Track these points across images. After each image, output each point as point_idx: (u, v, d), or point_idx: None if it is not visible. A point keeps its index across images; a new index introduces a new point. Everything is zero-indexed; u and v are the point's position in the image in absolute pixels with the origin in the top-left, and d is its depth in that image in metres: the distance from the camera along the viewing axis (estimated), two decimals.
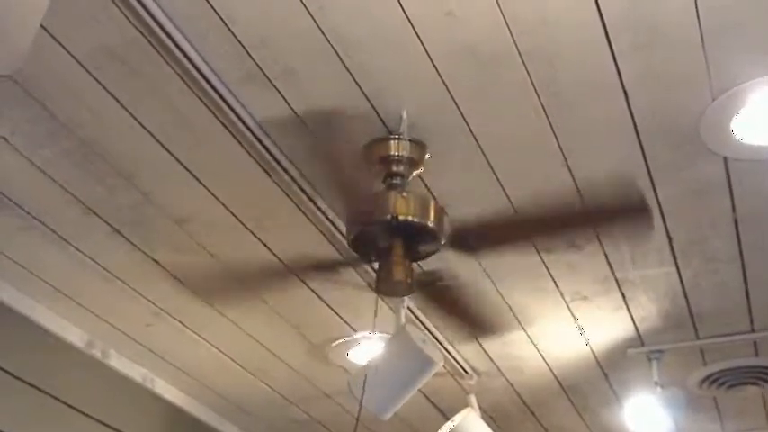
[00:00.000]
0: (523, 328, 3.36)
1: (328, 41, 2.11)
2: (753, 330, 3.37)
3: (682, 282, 3.05)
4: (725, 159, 2.50)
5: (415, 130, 2.36)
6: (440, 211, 2.40)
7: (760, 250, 2.87)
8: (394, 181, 2.40)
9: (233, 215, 2.73)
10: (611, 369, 3.67)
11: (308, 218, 2.74)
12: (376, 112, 2.32)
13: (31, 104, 2.30)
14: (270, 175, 2.57)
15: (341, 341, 3.47)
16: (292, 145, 2.46)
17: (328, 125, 2.38)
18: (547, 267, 2.97)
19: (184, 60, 2.15)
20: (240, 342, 3.47)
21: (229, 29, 2.08)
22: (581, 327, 3.32)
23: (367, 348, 3.46)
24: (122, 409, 3.56)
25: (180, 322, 3.32)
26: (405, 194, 2.35)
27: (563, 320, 3.30)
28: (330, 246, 2.86)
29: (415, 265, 2.48)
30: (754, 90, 2.25)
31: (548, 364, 3.64)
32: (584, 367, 3.65)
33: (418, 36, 2.09)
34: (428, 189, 2.60)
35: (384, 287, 2.40)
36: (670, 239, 2.83)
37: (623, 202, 2.64)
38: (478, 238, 2.79)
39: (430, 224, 2.35)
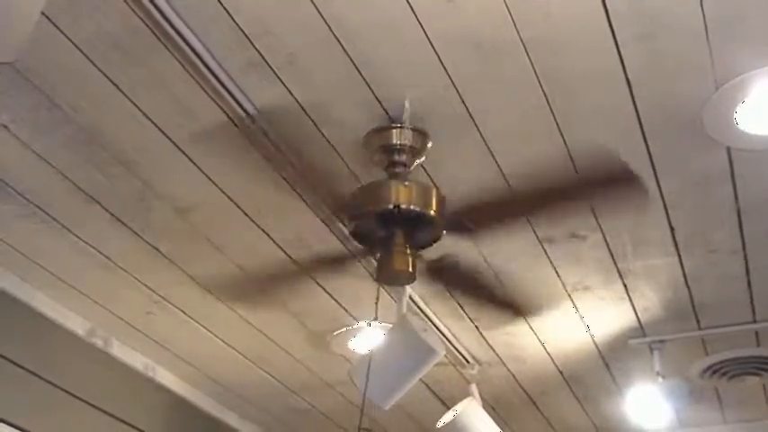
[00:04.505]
0: (525, 318, 3.36)
1: (330, 30, 2.10)
2: (754, 321, 3.37)
3: (684, 272, 3.05)
4: (728, 149, 2.49)
5: (417, 118, 2.36)
6: (441, 200, 2.40)
7: (762, 240, 2.87)
8: (396, 170, 2.39)
9: (234, 204, 2.73)
10: (612, 359, 3.67)
11: (309, 207, 2.74)
12: (378, 100, 2.32)
13: (31, 92, 2.30)
14: (271, 164, 2.56)
15: (342, 330, 3.48)
16: (294, 133, 2.45)
17: (330, 114, 2.38)
18: (549, 257, 2.97)
19: (186, 48, 2.14)
20: (241, 331, 3.47)
21: (232, 17, 2.08)
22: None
23: (368, 337, 3.46)
24: (124, 398, 3.57)
25: (181, 311, 3.32)
26: (407, 183, 2.34)
27: (565, 310, 3.30)
28: (331, 235, 2.86)
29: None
30: (757, 80, 2.24)
31: (549, 354, 3.64)
32: (585, 357, 3.65)
33: (420, 24, 2.08)
34: (430, 178, 2.59)
35: (385, 276, 2.40)
36: (672, 229, 2.82)
37: (618, 174, 2.59)
38: (478, 221, 2.77)
39: (432, 213, 2.35)
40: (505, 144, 2.48)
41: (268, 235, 2.87)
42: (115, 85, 2.28)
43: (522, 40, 2.13)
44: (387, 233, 2.37)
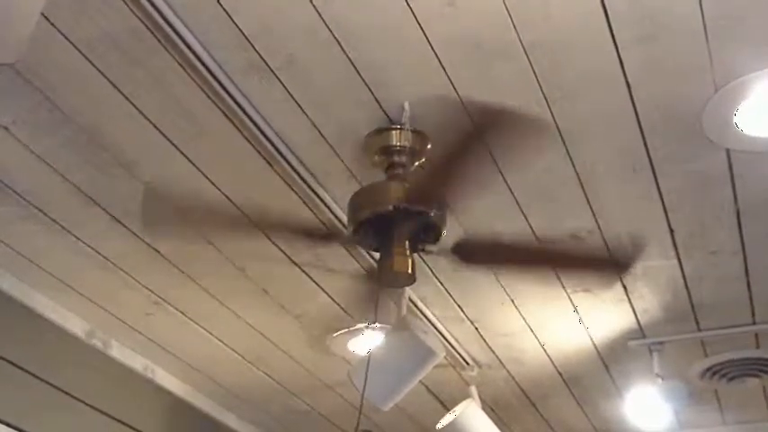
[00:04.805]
0: (525, 320, 3.36)
1: (330, 31, 2.10)
2: (754, 322, 3.37)
3: (683, 274, 3.05)
4: (727, 151, 2.49)
5: (416, 120, 2.36)
6: (441, 201, 2.39)
7: (762, 242, 2.87)
8: (396, 171, 2.39)
9: (234, 205, 2.73)
10: (612, 361, 3.67)
11: (309, 208, 2.74)
12: (377, 102, 2.32)
13: (31, 94, 2.30)
14: (271, 165, 2.56)
15: (342, 332, 3.47)
16: (293, 135, 2.45)
17: (330, 115, 2.38)
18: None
19: (186, 49, 2.15)
20: (241, 332, 3.47)
21: (231, 18, 2.08)
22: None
23: (368, 339, 3.45)
24: (123, 399, 3.56)
25: (180, 312, 3.32)
26: (406, 185, 2.34)
27: (564, 312, 3.30)
28: (331, 236, 2.86)
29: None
30: (757, 82, 2.24)
31: (549, 356, 3.64)
32: (585, 359, 3.65)
33: (420, 26, 2.08)
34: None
35: (385, 278, 2.39)
36: (672, 231, 2.82)
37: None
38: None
39: (432, 214, 2.34)
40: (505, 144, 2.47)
41: (267, 236, 2.87)
42: (115, 86, 2.28)
43: (521, 42, 2.13)
44: (387, 235, 2.36)
